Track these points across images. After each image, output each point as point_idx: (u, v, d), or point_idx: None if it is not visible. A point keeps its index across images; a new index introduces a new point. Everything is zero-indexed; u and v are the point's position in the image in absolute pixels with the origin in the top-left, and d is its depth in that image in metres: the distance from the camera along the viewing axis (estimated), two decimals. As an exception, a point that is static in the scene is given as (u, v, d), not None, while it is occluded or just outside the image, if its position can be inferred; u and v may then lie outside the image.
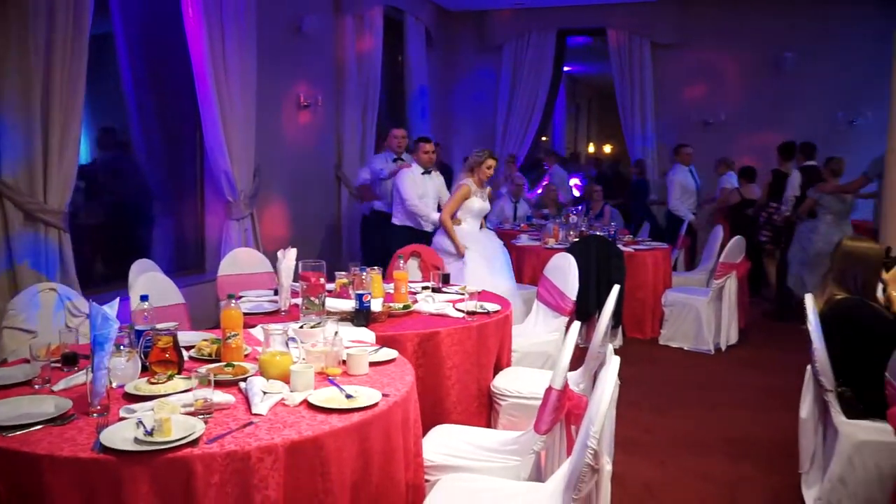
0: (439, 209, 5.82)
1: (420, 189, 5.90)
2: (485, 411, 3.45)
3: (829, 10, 8.97)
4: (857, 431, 3.06)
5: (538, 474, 2.57)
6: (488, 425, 3.42)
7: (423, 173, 5.94)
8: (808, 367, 3.29)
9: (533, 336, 4.24)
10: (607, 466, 2.08)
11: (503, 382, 3.45)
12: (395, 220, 6.01)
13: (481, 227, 5.55)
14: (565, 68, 11.23)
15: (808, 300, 3.34)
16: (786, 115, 9.11)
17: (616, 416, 3.49)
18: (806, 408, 3.34)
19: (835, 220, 6.59)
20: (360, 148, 8.01)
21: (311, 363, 2.45)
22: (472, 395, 3.36)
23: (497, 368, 3.59)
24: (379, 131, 8.27)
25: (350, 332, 2.93)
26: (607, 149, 17.51)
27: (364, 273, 3.43)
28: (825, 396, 3.17)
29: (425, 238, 5.67)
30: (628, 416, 4.12)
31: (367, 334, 3.00)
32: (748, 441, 4.07)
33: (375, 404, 2.17)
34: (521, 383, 3.42)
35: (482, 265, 5.22)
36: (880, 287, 3.34)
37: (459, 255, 5.26)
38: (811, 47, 9.08)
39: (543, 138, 11.96)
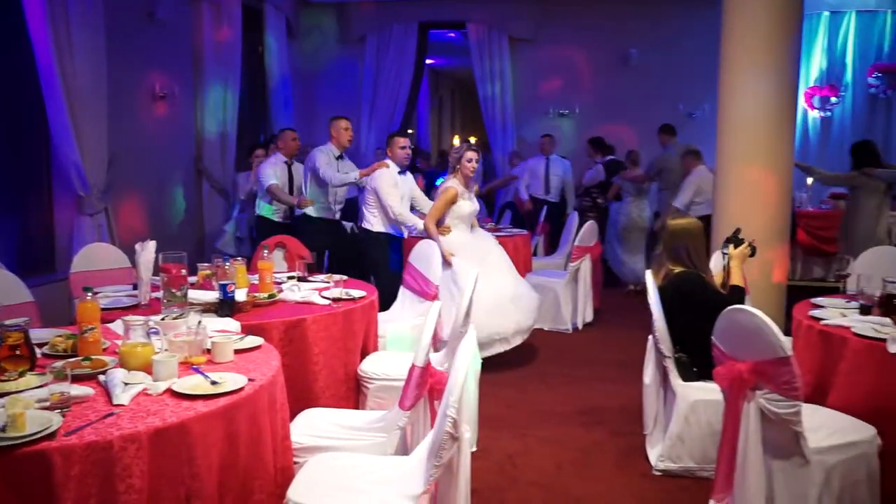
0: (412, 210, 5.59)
1: (400, 192, 5.45)
2: (353, 395, 3.53)
3: (669, 9, 9.64)
4: (692, 392, 3.39)
5: (404, 449, 2.68)
6: (356, 408, 3.50)
7: (399, 173, 5.50)
8: (650, 336, 3.59)
9: (399, 321, 4.35)
10: (466, 434, 2.21)
11: (370, 366, 3.55)
12: (373, 228, 5.51)
13: (473, 228, 5.22)
14: (428, 61, 11.41)
15: (648, 276, 3.65)
16: (633, 108, 9.72)
17: (480, 394, 3.71)
18: (649, 374, 3.65)
19: (634, 201, 7.95)
20: (221, 141, 7.82)
21: (175, 353, 2.44)
22: (340, 379, 3.43)
23: (364, 353, 3.68)
24: (240, 125, 8.10)
25: (215, 324, 2.92)
26: (472, 140, 17.92)
27: (227, 264, 3.42)
28: (664, 363, 3.48)
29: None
30: (491, 394, 4.33)
31: (231, 324, 3.00)
32: (601, 410, 4.37)
33: (241, 388, 2.20)
34: (387, 366, 3.52)
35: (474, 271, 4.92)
36: (724, 259, 3.70)
37: (446, 263, 4.79)
38: (653, 44, 9.74)
39: (409, 131, 12.10)
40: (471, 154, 5.01)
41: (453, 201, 4.97)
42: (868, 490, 2.71)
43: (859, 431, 2.78)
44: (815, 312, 3.40)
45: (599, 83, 10.09)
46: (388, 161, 5.52)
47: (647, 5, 9.71)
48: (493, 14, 10.09)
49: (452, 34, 11.09)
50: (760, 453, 2.69)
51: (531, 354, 5.59)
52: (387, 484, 2.26)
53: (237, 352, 2.60)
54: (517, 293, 5.06)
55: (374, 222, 5.51)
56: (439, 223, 5.08)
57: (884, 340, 2.88)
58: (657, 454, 3.52)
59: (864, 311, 3.31)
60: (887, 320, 3.15)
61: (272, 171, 6.23)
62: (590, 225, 6.53)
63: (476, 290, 4.17)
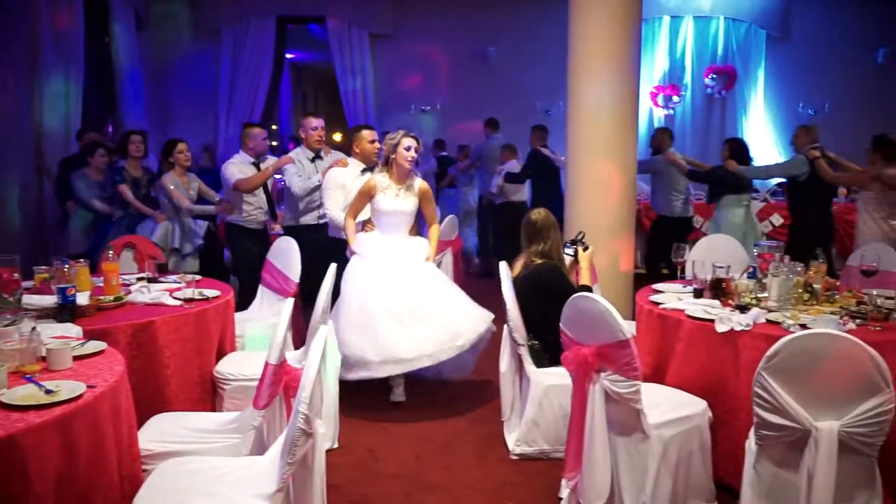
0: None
1: (347, 193, 4.78)
2: (209, 397, 3.43)
3: (524, 8, 9.97)
4: (545, 378, 3.54)
5: (260, 449, 2.63)
6: (213, 410, 3.40)
7: (365, 170, 4.87)
8: (505, 325, 3.72)
9: (258, 320, 4.26)
10: (320, 430, 2.21)
11: (226, 367, 3.46)
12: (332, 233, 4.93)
13: (400, 230, 4.44)
14: (288, 55, 11.22)
15: (503, 267, 3.77)
16: (492, 105, 9.96)
17: (341, 389, 3.70)
18: (504, 362, 3.78)
19: (467, 190, 9.04)
20: (64, 137, 7.34)
21: (4, 362, 2.28)
22: (195, 381, 3.33)
23: (221, 354, 3.58)
24: (86, 119, 7.64)
25: (53, 330, 2.76)
26: (337, 137, 17.74)
27: (67, 266, 3.23)
28: (518, 350, 3.61)
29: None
30: (353, 392, 4.31)
31: (72, 330, 2.84)
32: (462, 399, 4.47)
33: (79, 396, 2.09)
34: (244, 366, 3.45)
35: (364, 278, 4.22)
36: (567, 260, 3.89)
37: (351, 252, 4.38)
38: (509, 43, 10.05)
39: (273, 127, 11.86)
40: (409, 141, 4.30)
41: (370, 194, 4.36)
42: (701, 459, 2.93)
43: (692, 406, 3.00)
44: (655, 297, 3.64)
45: (459, 80, 10.29)
46: (349, 160, 4.97)
47: (502, 5, 9.99)
48: (351, 9, 10.07)
49: (311, 28, 10.97)
50: (605, 431, 2.85)
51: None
52: (239, 485, 2.22)
53: (77, 358, 2.46)
54: (422, 316, 4.09)
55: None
56: (367, 223, 4.51)
57: (713, 321, 3.12)
58: (514, 439, 3.65)
59: (698, 294, 3.58)
60: (717, 302, 3.42)
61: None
62: (450, 219, 6.65)
63: (362, 303, 4.12)
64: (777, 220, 7.84)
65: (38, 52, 7.07)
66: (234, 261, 5.75)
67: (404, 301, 4.11)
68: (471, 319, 4.20)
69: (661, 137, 7.03)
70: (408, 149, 4.29)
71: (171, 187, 5.51)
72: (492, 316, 4.30)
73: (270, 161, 5.53)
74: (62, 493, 2.01)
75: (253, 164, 5.44)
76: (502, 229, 7.90)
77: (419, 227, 4.71)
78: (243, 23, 10.04)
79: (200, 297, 3.48)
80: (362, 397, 4.41)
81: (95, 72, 8.36)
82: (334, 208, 4.73)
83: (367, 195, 4.36)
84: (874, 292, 3.17)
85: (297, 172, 5.25)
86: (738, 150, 6.30)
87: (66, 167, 6.46)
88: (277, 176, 5.66)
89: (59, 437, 1.99)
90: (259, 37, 10.06)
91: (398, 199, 4.34)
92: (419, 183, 4.44)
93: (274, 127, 12.12)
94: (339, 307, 4.20)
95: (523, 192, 8.09)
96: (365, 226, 4.51)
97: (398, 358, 4.00)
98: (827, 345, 2.31)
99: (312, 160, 5.34)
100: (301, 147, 5.46)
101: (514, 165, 7.99)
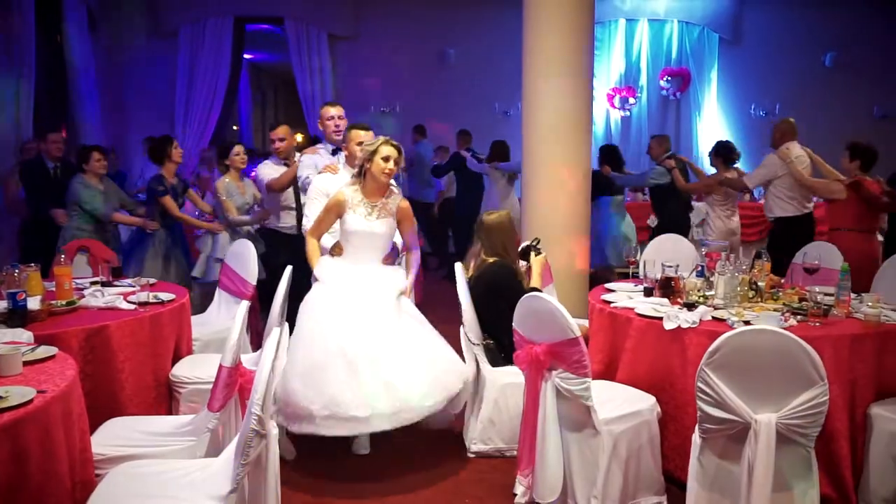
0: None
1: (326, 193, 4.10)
2: (164, 401, 3.43)
3: (481, 10, 10.03)
4: (501, 377, 3.60)
5: (216, 452, 2.63)
6: (169, 414, 3.40)
7: (333, 153, 4.66)
8: (461, 325, 3.76)
9: (216, 324, 4.25)
10: (273, 430, 2.24)
11: (182, 370, 3.46)
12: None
13: (390, 260, 3.85)
14: (247, 56, 11.14)
15: (458, 268, 3.82)
16: (452, 106, 10.03)
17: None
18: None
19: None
20: (15, 138, 7.21)
21: (-50, 369, 2.26)
22: (150, 385, 3.32)
23: (177, 357, 3.57)
24: (38, 119, 7.51)
25: (4, 335, 2.73)
26: (299, 138, 17.65)
27: (17, 270, 3.19)
28: (473, 350, 3.66)
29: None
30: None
31: (24, 335, 2.81)
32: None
33: (30, 401, 2.09)
34: (200, 370, 3.44)
35: (320, 311, 3.49)
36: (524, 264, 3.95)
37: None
38: (468, 44, 10.12)
39: (234, 127, 11.77)
40: (388, 150, 3.58)
41: (337, 211, 3.64)
42: (650, 453, 3.02)
43: (642, 401, 3.08)
44: (607, 296, 3.72)
45: (419, 81, 10.32)
46: (341, 166, 4.27)
47: (461, 7, 10.05)
48: (310, 10, 10.03)
49: (270, 28, 10.91)
50: (557, 428, 2.93)
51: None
52: (194, 487, 2.23)
53: (28, 363, 2.45)
54: (384, 366, 3.33)
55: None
56: (335, 248, 3.81)
57: (661, 319, 3.21)
58: (470, 438, 3.70)
59: (648, 293, 3.67)
60: (666, 301, 3.52)
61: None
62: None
63: (312, 341, 3.37)
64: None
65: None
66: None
67: (364, 345, 3.33)
68: (445, 376, 3.47)
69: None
70: (386, 159, 3.57)
71: (224, 197, 5.25)
72: (470, 371, 3.65)
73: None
74: (13, 501, 2.00)
75: (284, 164, 5.11)
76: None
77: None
78: (200, 23, 9.94)
79: (155, 301, 3.47)
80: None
81: (47, 72, 8.22)
82: (308, 220, 3.98)
83: (334, 211, 3.65)
84: (816, 289, 3.30)
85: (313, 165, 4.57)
86: (610, 156, 7.16)
87: (27, 171, 6.27)
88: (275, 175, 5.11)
89: (8, 444, 1.99)
90: (217, 36, 9.96)
91: (370, 219, 3.63)
92: (398, 200, 3.73)
93: (235, 128, 12.03)
94: (290, 343, 3.43)
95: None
96: (333, 250, 3.83)
97: (348, 415, 3.22)
98: (765, 340, 2.41)
99: (334, 153, 4.67)
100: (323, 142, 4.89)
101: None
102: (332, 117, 4.68)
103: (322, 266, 3.68)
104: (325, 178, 4.17)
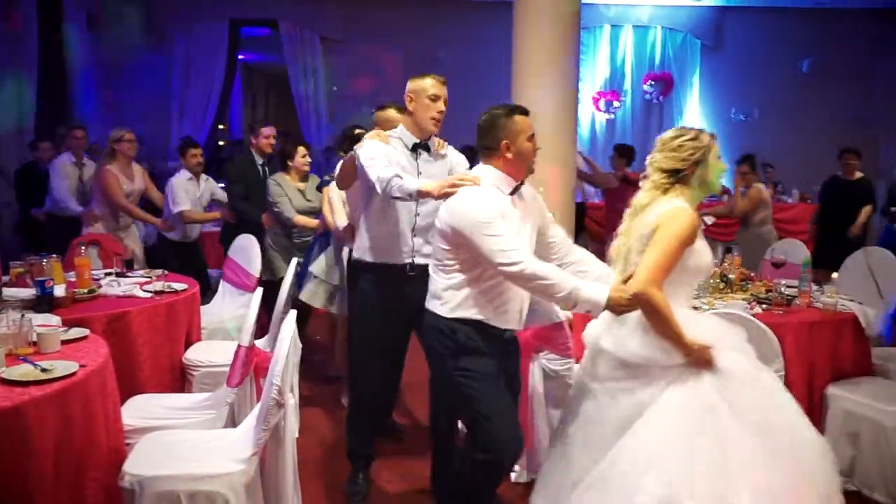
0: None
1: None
2: (178, 383, 3.66)
3: (472, 14, 10.30)
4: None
5: (232, 424, 2.90)
6: (183, 395, 3.64)
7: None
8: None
9: (222, 313, 4.50)
10: (291, 401, 2.50)
11: (195, 354, 3.70)
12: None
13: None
14: (240, 57, 11.35)
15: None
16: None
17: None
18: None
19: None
20: (17, 137, 7.40)
21: (-1, 345, 2.50)
22: (165, 368, 3.56)
23: (188, 342, 3.82)
24: (39, 119, 7.69)
25: (35, 319, 2.96)
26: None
27: (44, 261, 3.43)
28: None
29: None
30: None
31: (52, 320, 3.04)
32: (420, 385, 4.74)
33: (74, 373, 2.33)
34: (211, 354, 3.69)
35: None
36: None
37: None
38: (460, 48, 10.36)
39: (221, 126, 11.94)
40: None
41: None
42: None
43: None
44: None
45: (410, 84, 10.55)
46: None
47: (451, 10, 10.31)
48: (303, 13, 10.26)
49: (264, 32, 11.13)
50: (544, 406, 3.20)
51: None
52: (217, 452, 2.48)
53: (64, 342, 2.69)
54: None
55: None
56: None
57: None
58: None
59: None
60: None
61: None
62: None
63: None
64: (709, 219, 8.38)
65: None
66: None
67: None
68: None
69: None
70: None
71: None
72: None
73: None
74: (60, 460, 2.25)
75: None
76: None
77: None
78: (196, 25, 10.15)
79: (169, 290, 3.72)
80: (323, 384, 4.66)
81: (47, 72, 8.40)
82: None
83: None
84: (782, 282, 3.60)
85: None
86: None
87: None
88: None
89: (58, 410, 2.23)
90: (212, 38, 10.17)
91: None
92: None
93: (221, 126, 12.18)
94: None
95: None
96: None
97: None
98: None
99: (414, 149, 3.33)
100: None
101: None
102: (438, 98, 3.28)
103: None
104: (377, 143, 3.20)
